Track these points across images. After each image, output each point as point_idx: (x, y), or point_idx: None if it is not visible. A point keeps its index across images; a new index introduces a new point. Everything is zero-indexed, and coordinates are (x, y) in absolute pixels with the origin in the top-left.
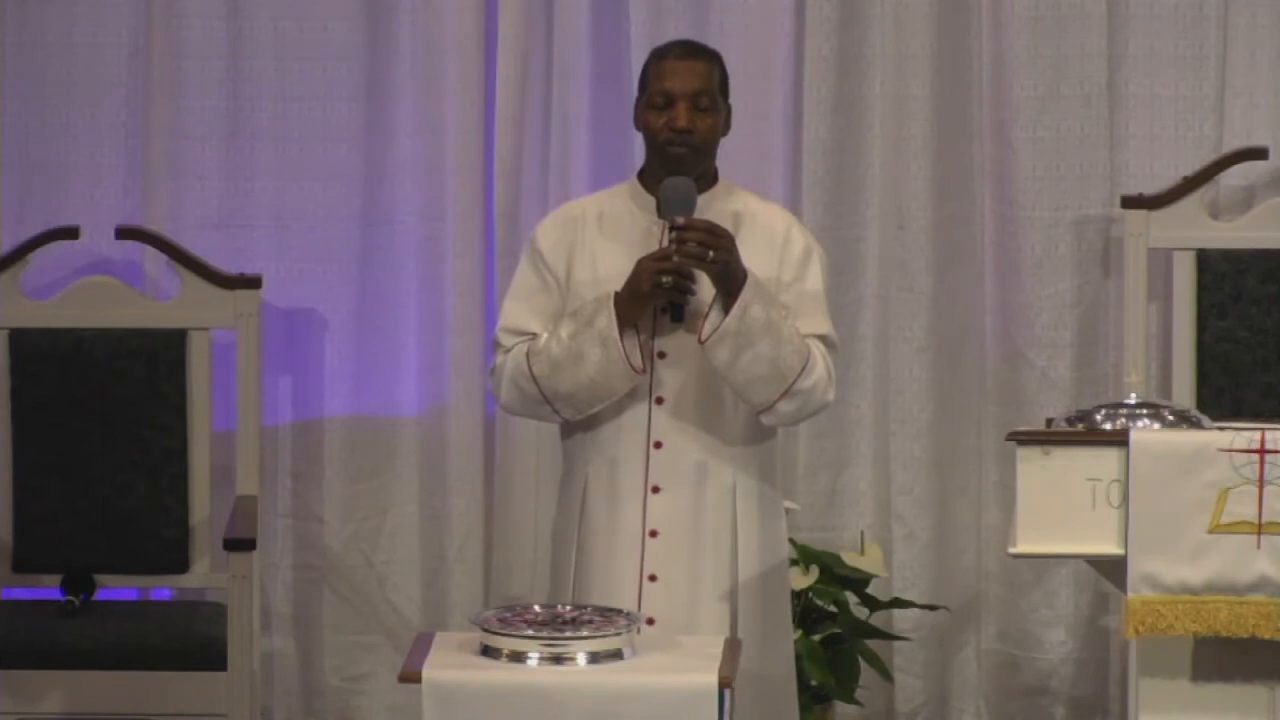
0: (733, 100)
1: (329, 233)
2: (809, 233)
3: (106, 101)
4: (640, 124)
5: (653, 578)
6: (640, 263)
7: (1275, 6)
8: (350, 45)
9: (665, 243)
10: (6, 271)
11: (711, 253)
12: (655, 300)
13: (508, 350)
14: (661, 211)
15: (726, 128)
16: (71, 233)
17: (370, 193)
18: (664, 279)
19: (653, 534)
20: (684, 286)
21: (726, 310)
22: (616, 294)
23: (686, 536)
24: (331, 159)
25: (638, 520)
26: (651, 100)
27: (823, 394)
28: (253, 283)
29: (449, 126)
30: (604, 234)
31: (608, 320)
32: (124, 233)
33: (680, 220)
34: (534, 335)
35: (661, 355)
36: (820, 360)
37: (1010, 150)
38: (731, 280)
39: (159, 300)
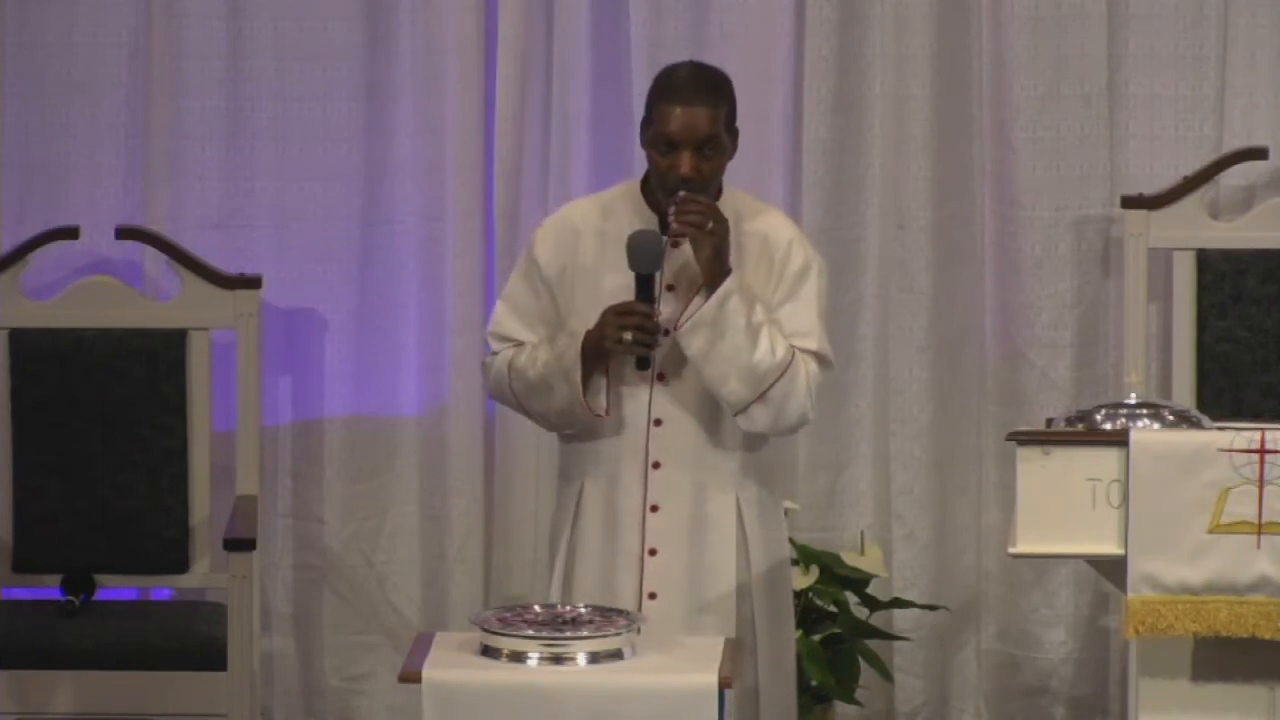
0: None
1: (329, 233)
2: (809, 246)
3: (106, 101)
4: (644, 148)
5: (653, 595)
6: (605, 314)
7: (1275, 6)
8: (350, 45)
9: (635, 294)
10: (6, 271)
11: (710, 223)
12: (618, 353)
13: (495, 354)
14: (630, 264)
15: (733, 151)
16: (71, 233)
17: (370, 193)
18: (625, 335)
19: (652, 552)
20: (645, 341)
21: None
22: (586, 337)
23: (687, 554)
24: (331, 159)
25: (636, 539)
26: (654, 140)
27: (800, 406)
28: (253, 283)
29: (449, 126)
30: (603, 251)
31: (573, 362)
32: (124, 233)
33: (681, 193)
34: (519, 344)
35: (660, 377)
36: (803, 373)
37: (1010, 150)
38: (718, 268)
39: (159, 300)
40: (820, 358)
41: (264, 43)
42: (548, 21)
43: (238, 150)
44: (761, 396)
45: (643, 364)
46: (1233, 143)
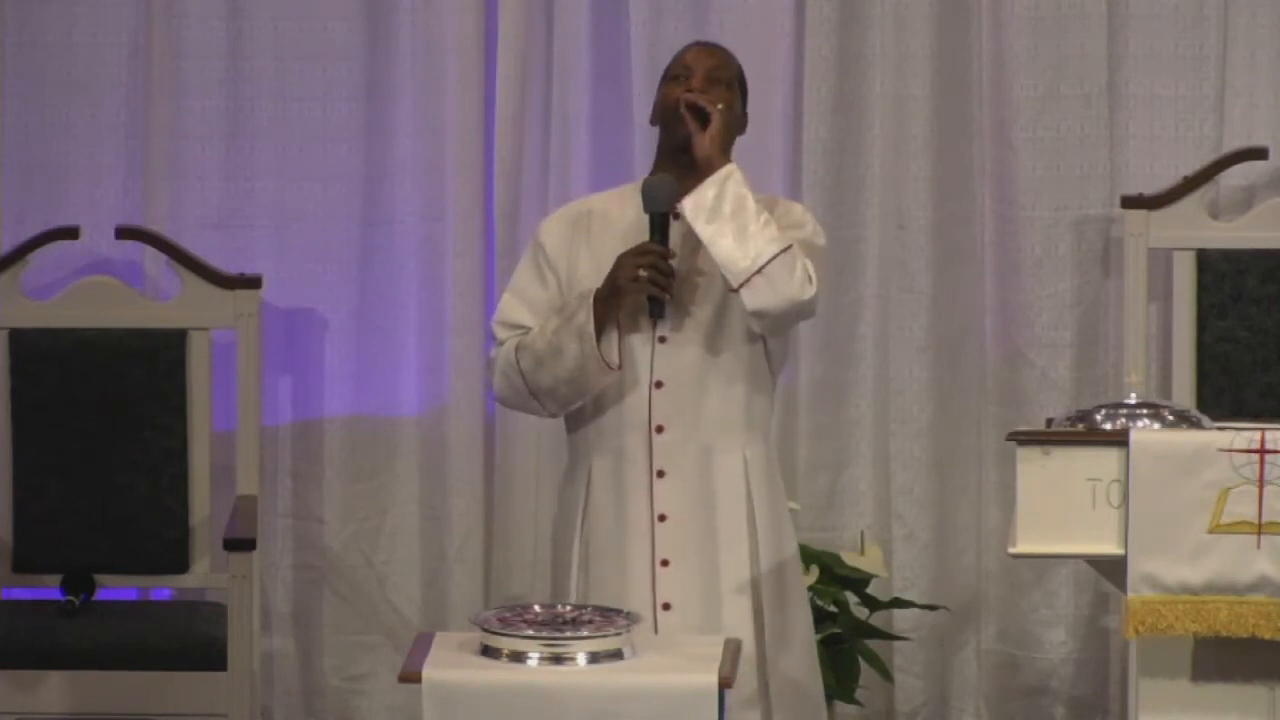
0: None
1: (329, 233)
2: (811, 216)
3: (106, 101)
4: (656, 108)
5: (665, 562)
6: (620, 257)
7: (1275, 6)
8: (350, 45)
9: (650, 237)
10: (6, 271)
11: (720, 105)
12: (633, 294)
13: (501, 343)
14: (645, 205)
15: (741, 128)
16: (71, 233)
17: (370, 193)
18: (641, 272)
19: (661, 518)
20: (661, 282)
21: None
22: (598, 290)
23: (697, 519)
24: (331, 159)
25: (645, 506)
26: (671, 74)
27: (800, 287)
28: (253, 283)
29: (449, 126)
30: (609, 237)
31: (585, 315)
32: (124, 233)
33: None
34: (526, 329)
35: (661, 339)
36: (800, 260)
37: (1010, 150)
38: (718, 148)
39: (159, 300)
40: (811, 265)
41: (264, 43)
42: (548, 21)
43: (238, 150)
44: (761, 270)
45: (655, 308)
46: (1233, 143)
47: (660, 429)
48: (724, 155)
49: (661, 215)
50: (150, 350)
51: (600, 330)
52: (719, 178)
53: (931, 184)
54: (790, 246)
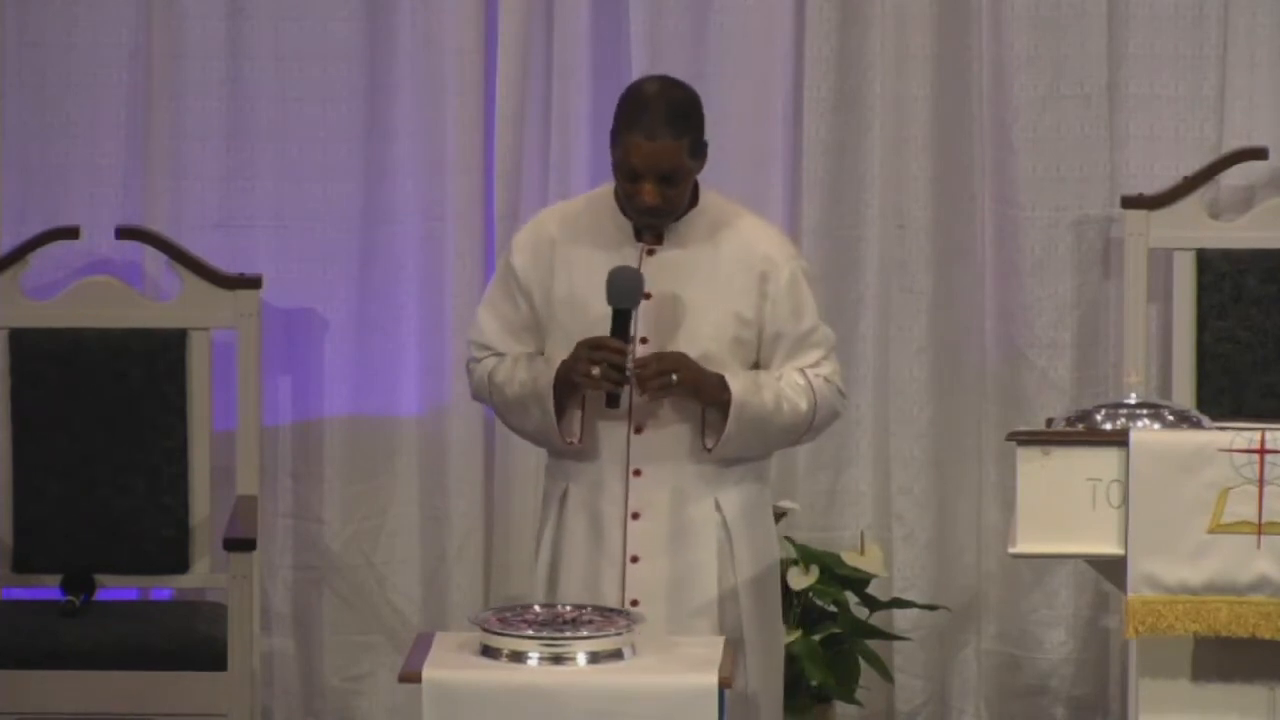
0: (732, 101)
1: (329, 233)
2: (788, 250)
3: (106, 101)
4: (611, 161)
5: (635, 602)
6: (577, 347)
7: (1275, 6)
8: (350, 45)
9: (611, 328)
10: (6, 271)
11: (674, 376)
12: (587, 389)
13: (477, 361)
14: (608, 298)
15: (701, 165)
16: (71, 233)
17: (370, 193)
18: (594, 370)
19: (634, 559)
20: (614, 378)
21: (722, 410)
22: (559, 368)
23: (668, 561)
24: (331, 159)
25: (618, 546)
26: (620, 167)
27: (835, 413)
28: (253, 283)
29: (449, 126)
30: (579, 253)
31: (546, 387)
32: (124, 233)
33: (630, 367)
34: (499, 354)
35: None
36: (825, 389)
37: (1010, 150)
38: (706, 389)
39: (159, 300)
40: (828, 353)
41: (264, 43)
42: (548, 21)
43: (238, 150)
44: (807, 431)
45: (612, 401)
46: (1233, 143)
47: (638, 472)
48: (717, 390)
49: (624, 310)
50: (150, 350)
51: (562, 405)
52: (733, 417)
53: (931, 184)
54: (815, 399)
